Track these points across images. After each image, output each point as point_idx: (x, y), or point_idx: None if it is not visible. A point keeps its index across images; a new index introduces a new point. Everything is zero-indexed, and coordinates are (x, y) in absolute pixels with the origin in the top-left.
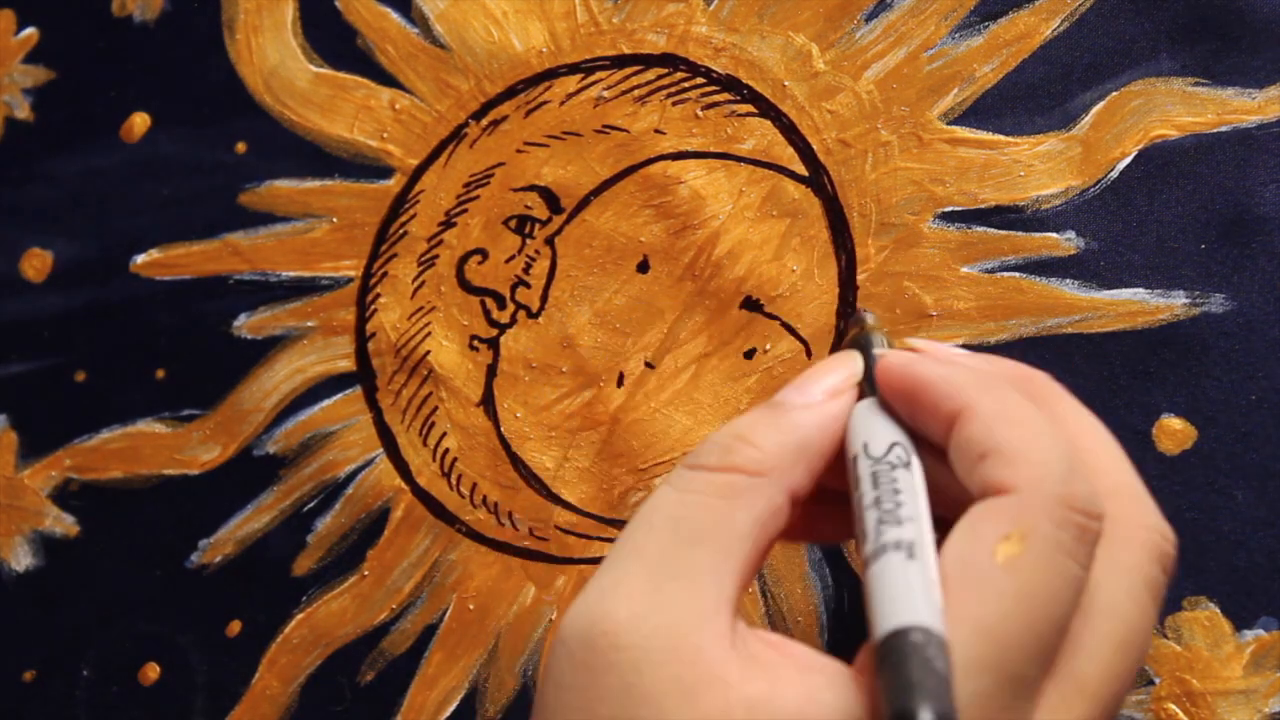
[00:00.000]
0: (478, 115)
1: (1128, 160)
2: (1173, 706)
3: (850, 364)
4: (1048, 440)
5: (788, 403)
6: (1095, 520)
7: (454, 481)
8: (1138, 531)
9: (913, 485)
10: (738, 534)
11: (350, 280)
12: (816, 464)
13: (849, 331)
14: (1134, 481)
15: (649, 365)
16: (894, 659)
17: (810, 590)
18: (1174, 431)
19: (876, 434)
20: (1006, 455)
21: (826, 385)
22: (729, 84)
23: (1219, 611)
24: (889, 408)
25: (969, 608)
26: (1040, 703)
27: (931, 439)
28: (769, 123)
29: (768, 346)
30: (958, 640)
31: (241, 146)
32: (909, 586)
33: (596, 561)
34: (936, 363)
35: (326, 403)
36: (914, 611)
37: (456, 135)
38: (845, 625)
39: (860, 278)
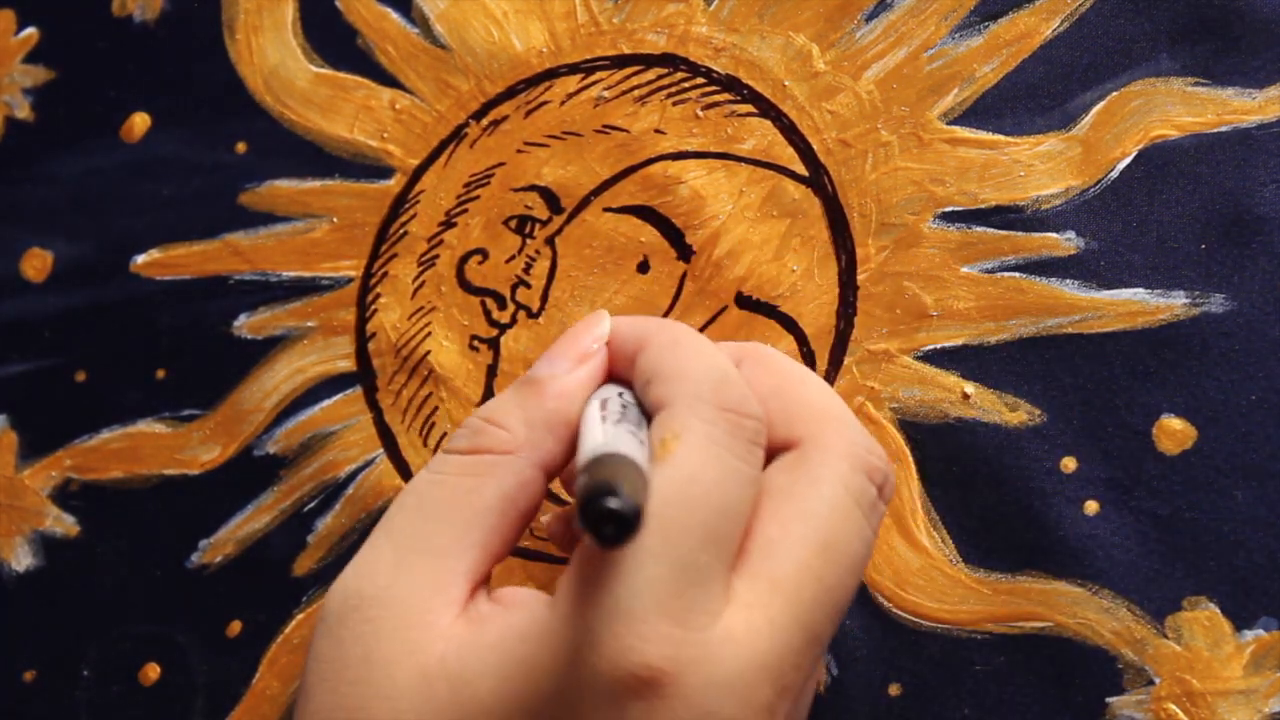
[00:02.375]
0: (478, 115)
1: (1128, 160)
2: (1173, 706)
3: (596, 325)
4: (703, 360)
5: (537, 377)
6: (749, 419)
7: None
8: (836, 444)
9: (630, 402)
10: (481, 508)
11: (350, 280)
12: (569, 431)
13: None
14: (839, 410)
15: None
16: (589, 470)
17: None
18: (1174, 431)
19: (600, 392)
20: (665, 374)
21: (573, 352)
22: (729, 84)
23: (1219, 611)
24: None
25: None
26: (732, 597)
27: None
28: (769, 123)
29: None
30: None
31: (241, 146)
32: (612, 434)
33: None
34: (631, 319)
35: (327, 403)
36: (613, 446)
37: (457, 135)
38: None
39: (860, 278)
